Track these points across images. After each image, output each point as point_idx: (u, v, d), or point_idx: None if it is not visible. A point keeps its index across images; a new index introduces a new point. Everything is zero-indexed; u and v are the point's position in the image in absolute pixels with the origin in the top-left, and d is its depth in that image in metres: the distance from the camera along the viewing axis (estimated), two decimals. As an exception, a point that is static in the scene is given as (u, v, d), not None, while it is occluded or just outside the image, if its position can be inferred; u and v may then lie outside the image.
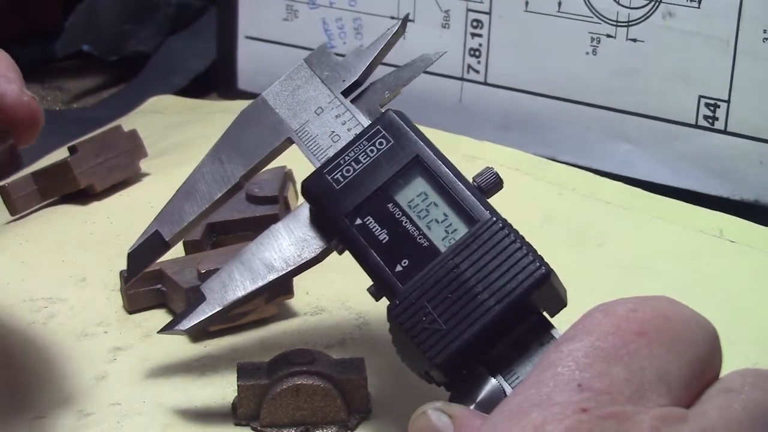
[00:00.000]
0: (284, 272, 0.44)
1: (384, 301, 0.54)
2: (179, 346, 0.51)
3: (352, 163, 0.43)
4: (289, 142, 0.46)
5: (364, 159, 0.43)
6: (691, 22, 0.66)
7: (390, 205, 0.42)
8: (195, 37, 0.89)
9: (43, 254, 0.58)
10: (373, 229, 0.42)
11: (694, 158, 0.68)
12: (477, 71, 0.74)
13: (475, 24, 0.74)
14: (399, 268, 0.41)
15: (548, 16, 0.71)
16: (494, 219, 0.41)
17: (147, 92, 0.83)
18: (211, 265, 0.51)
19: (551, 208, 0.64)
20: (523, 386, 0.31)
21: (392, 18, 0.76)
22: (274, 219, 0.58)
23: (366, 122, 0.45)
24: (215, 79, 0.85)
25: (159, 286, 0.54)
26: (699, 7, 0.66)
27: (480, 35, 0.74)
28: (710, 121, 0.67)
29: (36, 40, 0.90)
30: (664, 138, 0.68)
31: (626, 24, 0.69)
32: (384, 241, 0.42)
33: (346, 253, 0.44)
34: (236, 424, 0.46)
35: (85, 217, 0.63)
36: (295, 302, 0.54)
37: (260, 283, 0.44)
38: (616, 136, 0.70)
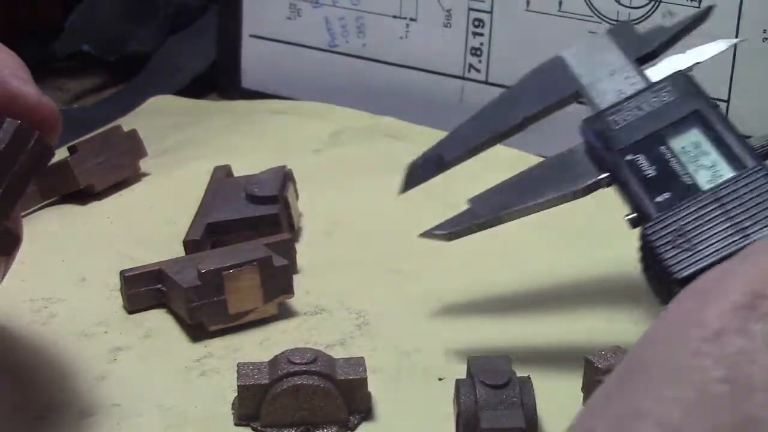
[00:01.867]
0: (548, 198, 0.47)
1: (383, 302, 0.55)
2: (179, 346, 0.51)
3: (634, 109, 0.46)
4: (576, 96, 0.49)
5: (646, 107, 0.46)
6: (691, 21, 0.66)
7: (662, 147, 0.44)
8: (195, 37, 0.89)
9: (43, 254, 0.58)
10: (642, 166, 0.44)
11: (694, 158, 0.68)
12: (478, 70, 0.74)
13: (476, 23, 0.74)
14: (659, 198, 0.43)
15: (549, 15, 0.71)
16: (759, 167, 0.42)
17: (147, 92, 0.83)
18: (211, 265, 0.51)
19: (552, 208, 0.64)
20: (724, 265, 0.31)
21: (395, 17, 0.76)
22: (274, 219, 0.58)
23: None
24: (218, 78, 0.85)
25: (159, 286, 0.54)
26: (699, 7, 0.66)
27: (481, 34, 0.74)
28: (711, 120, 0.67)
29: (36, 40, 0.89)
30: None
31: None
32: (649, 176, 0.44)
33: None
34: (236, 424, 0.46)
35: (85, 217, 0.63)
36: (295, 302, 0.54)
37: (528, 204, 0.47)
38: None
